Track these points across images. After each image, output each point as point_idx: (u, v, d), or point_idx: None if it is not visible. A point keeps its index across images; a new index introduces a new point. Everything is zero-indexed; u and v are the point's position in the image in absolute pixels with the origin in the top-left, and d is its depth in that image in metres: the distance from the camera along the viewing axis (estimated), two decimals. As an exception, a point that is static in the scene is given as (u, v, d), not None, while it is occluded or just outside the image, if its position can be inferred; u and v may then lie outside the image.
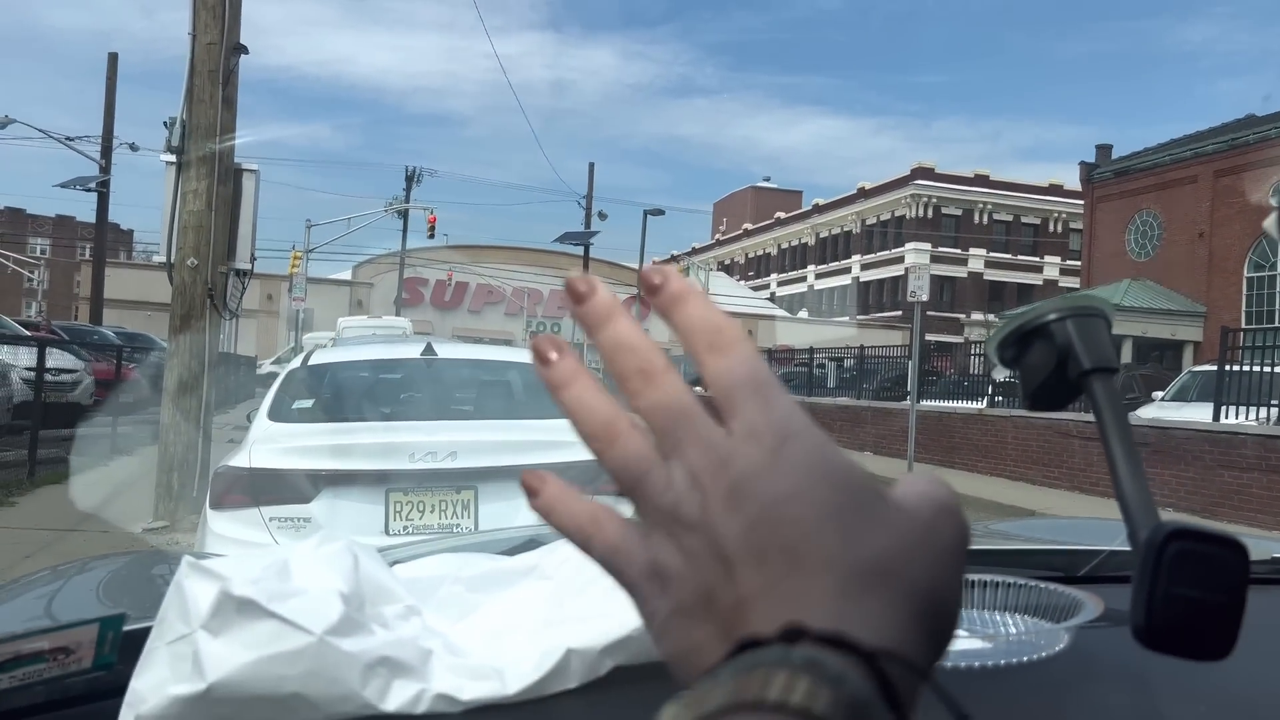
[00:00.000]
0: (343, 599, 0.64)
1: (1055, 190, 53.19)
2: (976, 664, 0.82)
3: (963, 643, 0.88)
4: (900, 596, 0.31)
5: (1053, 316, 0.71)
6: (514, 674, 0.66)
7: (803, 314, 57.43)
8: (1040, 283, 52.61)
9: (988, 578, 0.97)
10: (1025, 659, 0.84)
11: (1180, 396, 14.40)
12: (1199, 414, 11.81)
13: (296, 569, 0.67)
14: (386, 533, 4.14)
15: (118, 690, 0.68)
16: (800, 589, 0.31)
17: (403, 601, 0.73)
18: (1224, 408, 11.17)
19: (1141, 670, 0.85)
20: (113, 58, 26.41)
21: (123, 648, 0.76)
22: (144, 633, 0.70)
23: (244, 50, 8.16)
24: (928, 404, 15.32)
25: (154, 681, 0.63)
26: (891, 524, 0.33)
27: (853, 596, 0.31)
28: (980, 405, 14.98)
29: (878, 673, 0.28)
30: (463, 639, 0.74)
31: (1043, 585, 0.95)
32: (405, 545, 1.22)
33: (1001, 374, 0.78)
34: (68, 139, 26.46)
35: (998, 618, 0.94)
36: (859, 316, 54.21)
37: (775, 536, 0.32)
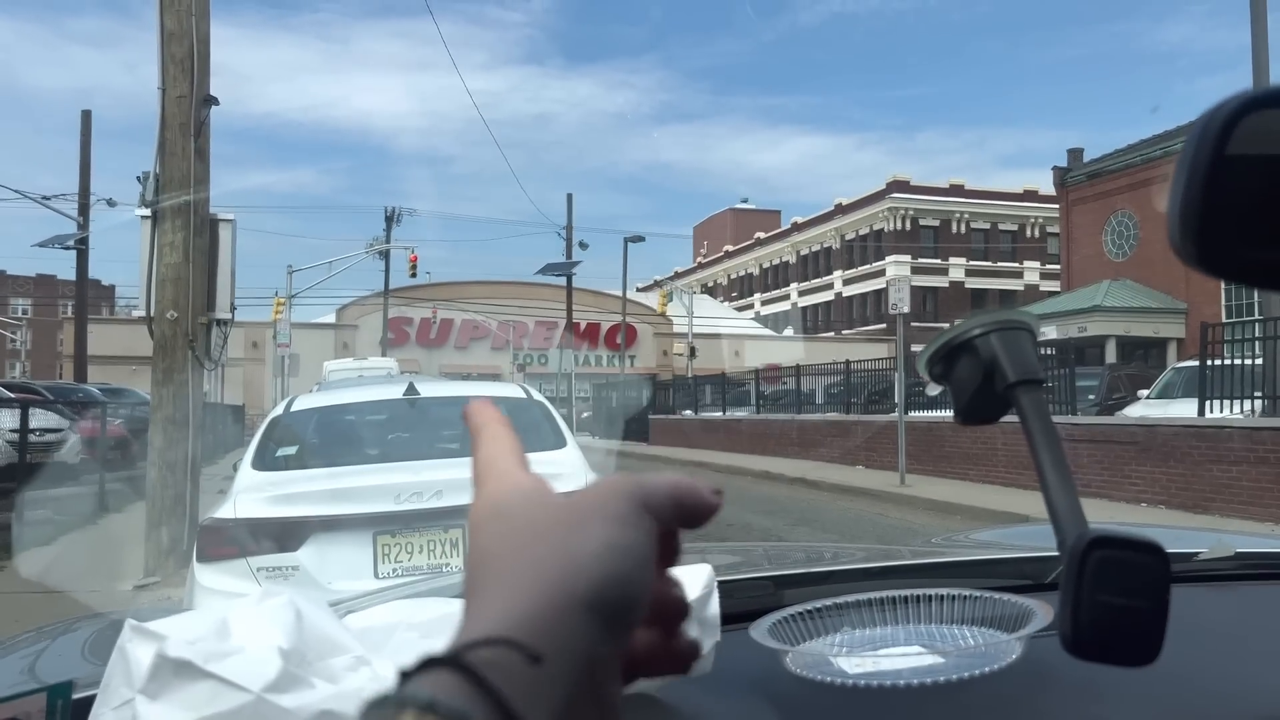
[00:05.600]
0: (282, 655, 0.64)
1: (1030, 196, 53.62)
2: (929, 680, 0.83)
3: (916, 659, 0.88)
4: (513, 588, 0.37)
5: (977, 331, 0.72)
6: (459, 719, 0.66)
7: (788, 331, 57.56)
8: (1022, 288, 52.91)
9: (940, 591, 0.98)
10: (978, 672, 0.84)
11: (1165, 394, 14.47)
12: (1185, 410, 11.87)
13: (236, 627, 0.68)
14: (375, 576, 4.13)
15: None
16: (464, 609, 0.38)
17: (351, 652, 0.73)
18: (1209, 402, 11.23)
19: (1093, 678, 0.85)
20: (86, 115, 26.46)
21: (79, 714, 0.76)
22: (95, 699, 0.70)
23: (214, 102, 8.19)
24: (916, 415, 15.37)
25: (96, 749, 0.63)
26: (519, 526, 0.40)
27: (473, 599, 0.37)
28: (968, 413, 14.99)
29: (470, 673, 0.33)
30: (414, 686, 0.74)
31: (994, 596, 0.96)
32: (361, 596, 1.22)
33: (934, 390, 0.79)
34: (44, 198, 26.43)
35: (953, 631, 0.95)
36: (844, 331, 54.40)
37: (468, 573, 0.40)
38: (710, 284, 72.81)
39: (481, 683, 0.33)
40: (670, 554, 0.43)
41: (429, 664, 0.34)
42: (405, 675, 0.34)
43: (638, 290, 57.53)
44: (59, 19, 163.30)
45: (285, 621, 0.68)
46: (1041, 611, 0.89)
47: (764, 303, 65.96)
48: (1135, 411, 13.83)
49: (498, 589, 0.37)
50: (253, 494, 4.31)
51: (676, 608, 0.45)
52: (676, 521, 0.42)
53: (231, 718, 0.60)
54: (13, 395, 13.99)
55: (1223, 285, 28.52)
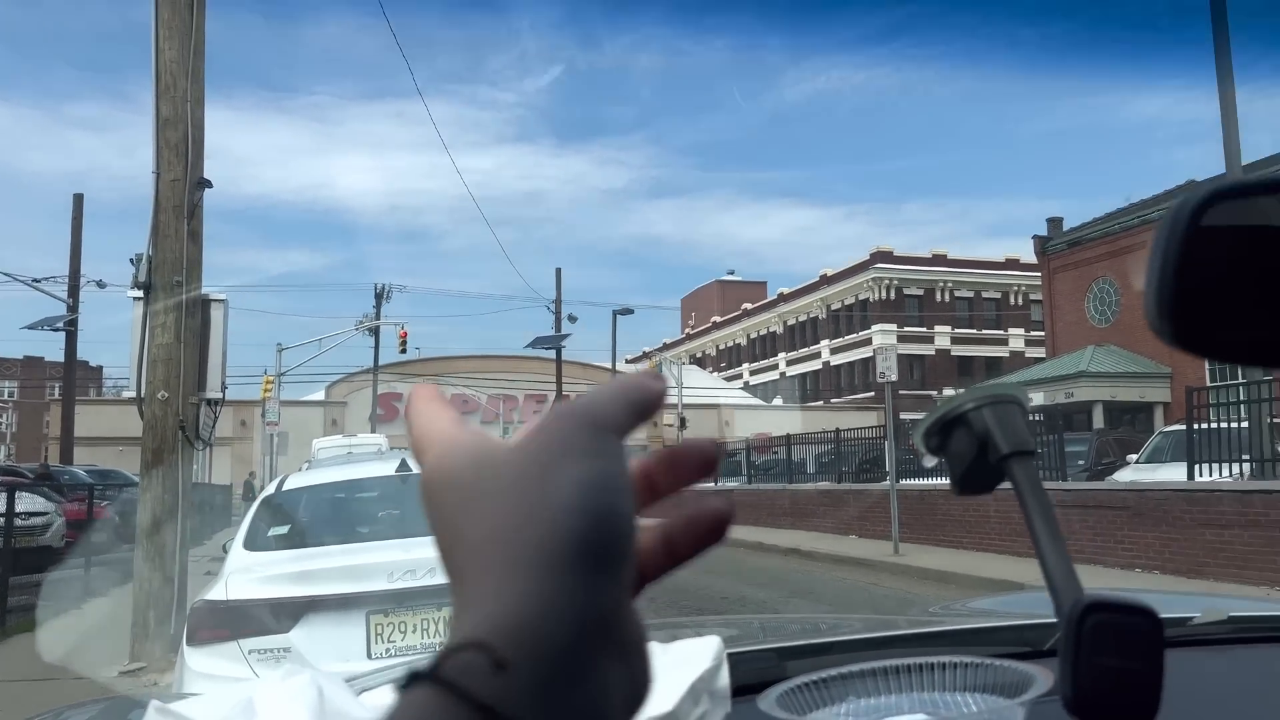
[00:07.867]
0: (308, 733, 0.66)
1: (1013, 264, 54.36)
2: (936, 748, 0.84)
3: (920, 727, 0.90)
4: (489, 569, 0.35)
5: (970, 406, 0.75)
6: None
7: (777, 401, 57.66)
8: (1007, 354, 53.30)
9: (942, 659, 0.99)
10: (983, 739, 0.86)
11: (1154, 458, 14.51)
12: (1174, 474, 11.91)
13: (261, 706, 0.69)
14: (369, 656, 4.07)
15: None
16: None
17: (370, 730, 0.75)
18: (1198, 466, 11.27)
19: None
20: (78, 199, 26.70)
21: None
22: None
23: (208, 185, 8.31)
24: (908, 483, 15.34)
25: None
26: (475, 492, 0.37)
27: (459, 589, 0.35)
28: (960, 481, 15.00)
29: (451, 687, 0.31)
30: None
31: (995, 663, 0.98)
32: (377, 672, 1.23)
33: (931, 462, 0.83)
34: (34, 280, 26.53)
35: (956, 698, 0.96)
36: (833, 399, 54.53)
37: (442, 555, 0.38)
38: (699, 355, 73.10)
39: (465, 695, 0.31)
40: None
41: (415, 678, 0.32)
42: (399, 689, 0.32)
43: (627, 362, 57.70)
44: (57, 104, 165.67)
45: (309, 700, 0.70)
46: (1042, 677, 0.91)
47: (752, 372, 66.17)
48: (1125, 476, 13.85)
49: (477, 572, 0.35)
50: (244, 575, 4.28)
51: (690, 472, 0.41)
52: (637, 422, 0.39)
53: (260, 796, 0.61)
54: (-2, 479, 13.86)
55: (1206, 349, 28.77)
